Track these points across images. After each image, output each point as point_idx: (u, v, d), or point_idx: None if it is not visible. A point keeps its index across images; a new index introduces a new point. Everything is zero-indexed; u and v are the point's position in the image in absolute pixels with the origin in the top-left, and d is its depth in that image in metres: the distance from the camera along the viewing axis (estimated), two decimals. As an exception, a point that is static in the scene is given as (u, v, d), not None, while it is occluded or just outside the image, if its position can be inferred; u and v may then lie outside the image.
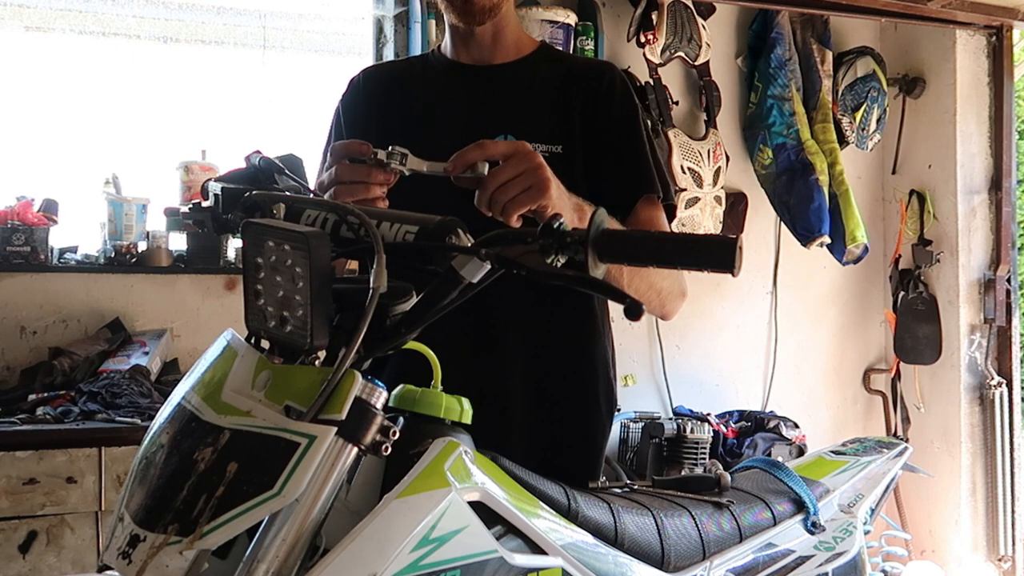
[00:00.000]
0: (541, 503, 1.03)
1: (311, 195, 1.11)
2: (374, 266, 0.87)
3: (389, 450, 0.85)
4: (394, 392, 0.97)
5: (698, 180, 3.29)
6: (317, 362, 0.88)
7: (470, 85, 1.49)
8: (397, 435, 0.86)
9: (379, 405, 0.86)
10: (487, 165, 1.08)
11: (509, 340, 1.42)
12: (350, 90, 1.57)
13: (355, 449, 0.84)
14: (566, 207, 1.16)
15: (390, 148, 1.10)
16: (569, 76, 1.49)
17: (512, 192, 1.09)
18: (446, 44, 1.54)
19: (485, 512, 0.92)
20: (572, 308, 1.45)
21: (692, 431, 3.10)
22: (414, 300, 0.92)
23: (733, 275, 0.85)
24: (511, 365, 1.42)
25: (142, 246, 2.88)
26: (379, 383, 0.87)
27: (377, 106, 1.52)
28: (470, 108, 1.47)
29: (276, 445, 0.82)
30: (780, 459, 1.64)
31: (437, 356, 0.99)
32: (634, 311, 0.83)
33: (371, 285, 0.86)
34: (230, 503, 0.80)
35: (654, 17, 3.24)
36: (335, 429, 0.82)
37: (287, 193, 1.06)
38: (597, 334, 1.50)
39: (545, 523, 0.99)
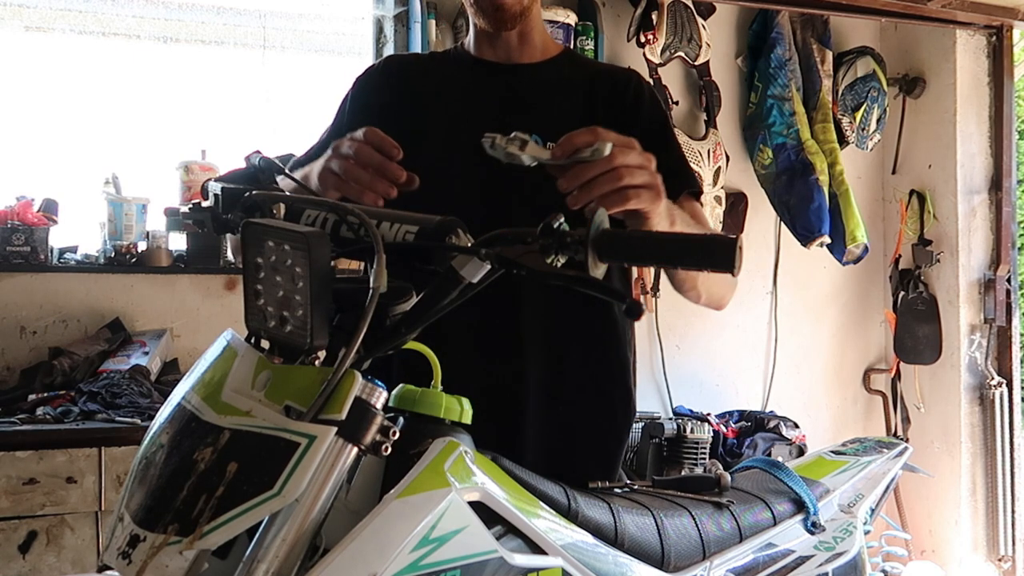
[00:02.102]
0: (541, 503, 1.03)
1: (311, 195, 1.11)
2: (374, 266, 0.86)
3: (389, 450, 0.85)
4: (394, 392, 0.97)
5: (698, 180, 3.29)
6: (317, 362, 0.88)
7: (495, 82, 1.46)
8: (397, 435, 0.86)
9: (379, 405, 0.86)
10: (606, 147, 0.98)
11: (530, 342, 1.40)
12: (367, 75, 1.53)
13: (355, 449, 0.84)
14: (664, 216, 1.11)
15: (512, 134, 1.00)
16: (595, 80, 1.48)
17: (636, 179, 1.02)
18: (469, 41, 1.51)
19: (485, 512, 0.92)
20: (594, 312, 1.44)
21: (692, 431, 3.10)
22: (414, 300, 0.92)
23: (733, 275, 0.85)
24: (530, 366, 1.40)
25: (142, 246, 2.88)
26: (379, 383, 0.87)
27: (398, 94, 1.48)
28: (495, 105, 1.45)
29: (276, 445, 0.82)
30: (780, 459, 1.64)
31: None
32: (634, 311, 0.83)
33: (371, 285, 0.86)
34: (230, 503, 0.80)
35: (654, 17, 3.24)
36: (335, 429, 0.82)
37: (287, 193, 1.05)
38: (618, 340, 1.48)
39: (545, 523, 0.99)
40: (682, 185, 1.42)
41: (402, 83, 1.50)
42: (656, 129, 1.46)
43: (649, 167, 1.04)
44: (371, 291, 0.86)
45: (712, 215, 3.35)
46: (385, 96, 1.48)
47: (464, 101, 1.46)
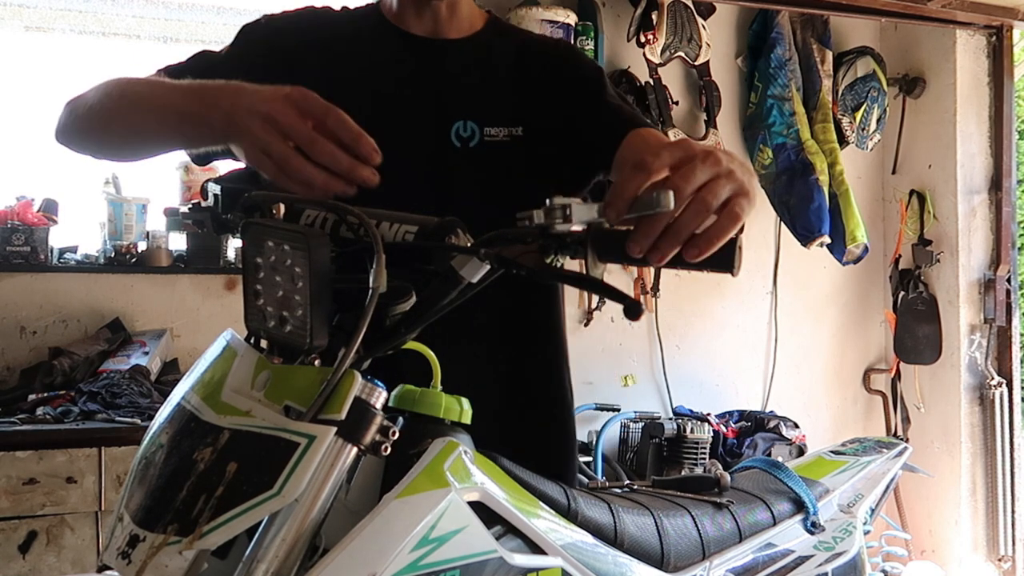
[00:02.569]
0: (541, 503, 1.02)
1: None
2: (374, 266, 0.86)
3: (389, 450, 0.85)
4: (394, 392, 0.97)
5: (698, 180, 3.29)
6: (317, 362, 0.88)
7: (425, 62, 1.33)
8: (397, 435, 0.86)
9: (378, 405, 0.86)
10: (668, 196, 0.79)
11: (472, 331, 1.28)
12: (275, 21, 1.32)
13: (355, 449, 0.84)
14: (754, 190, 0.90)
15: (548, 203, 0.83)
16: (524, 52, 1.40)
17: (722, 193, 0.82)
18: (391, 6, 1.36)
19: (485, 512, 0.92)
20: (531, 302, 1.36)
21: (692, 431, 3.11)
22: (413, 300, 0.92)
23: (733, 275, 0.84)
24: (478, 355, 1.31)
25: (142, 246, 2.88)
26: (379, 383, 0.87)
27: (317, 63, 1.28)
28: (425, 87, 1.32)
29: (276, 445, 0.82)
30: (780, 459, 1.64)
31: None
32: (634, 311, 0.82)
33: (371, 285, 0.86)
34: (230, 503, 0.80)
35: (654, 17, 3.24)
36: (334, 429, 0.82)
37: (287, 193, 1.05)
38: (558, 327, 1.40)
39: (545, 523, 0.99)
40: (627, 127, 1.27)
41: (322, 50, 1.30)
42: (592, 87, 1.36)
43: (721, 164, 0.83)
44: (371, 291, 0.86)
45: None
46: (301, 58, 1.27)
47: (392, 83, 1.32)
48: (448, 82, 1.33)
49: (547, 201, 0.83)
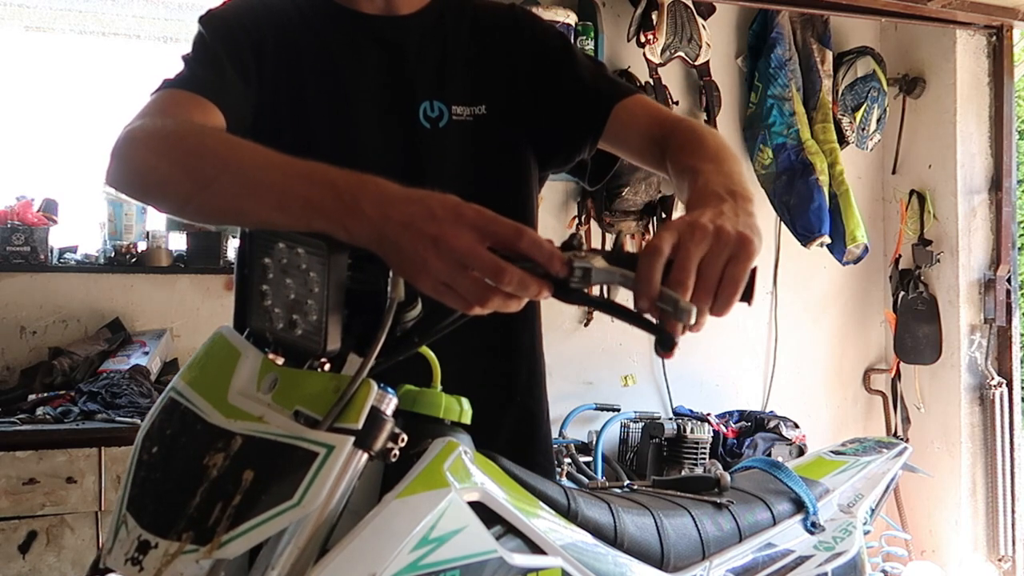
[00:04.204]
0: (541, 503, 1.02)
1: None
2: (391, 275, 0.85)
3: (397, 456, 0.85)
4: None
5: (698, 180, 3.29)
6: (327, 366, 0.87)
7: (383, 41, 1.26)
8: (405, 441, 0.86)
9: (389, 412, 0.85)
10: (692, 309, 0.81)
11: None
12: (227, 18, 1.23)
13: (366, 455, 0.83)
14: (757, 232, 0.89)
15: (570, 262, 0.81)
16: (479, 24, 1.32)
17: (720, 261, 0.83)
18: None
19: (485, 512, 0.91)
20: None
21: (692, 431, 3.10)
22: (419, 308, 0.92)
23: (749, 305, 0.84)
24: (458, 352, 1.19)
25: (142, 246, 2.89)
26: (390, 390, 0.86)
27: (276, 50, 1.23)
28: (388, 68, 1.26)
29: (293, 454, 0.81)
30: (780, 459, 1.64)
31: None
32: (666, 344, 0.80)
33: (389, 295, 0.85)
34: (248, 512, 0.79)
35: (654, 17, 3.24)
36: (352, 439, 0.81)
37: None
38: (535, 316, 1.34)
39: (545, 523, 0.99)
40: (612, 100, 1.23)
41: (278, 39, 1.23)
42: (557, 57, 1.29)
43: (707, 234, 0.83)
44: (389, 301, 0.84)
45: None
46: (262, 50, 1.22)
47: (353, 67, 1.25)
48: (410, 61, 1.26)
49: (569, 260, 0.81)
